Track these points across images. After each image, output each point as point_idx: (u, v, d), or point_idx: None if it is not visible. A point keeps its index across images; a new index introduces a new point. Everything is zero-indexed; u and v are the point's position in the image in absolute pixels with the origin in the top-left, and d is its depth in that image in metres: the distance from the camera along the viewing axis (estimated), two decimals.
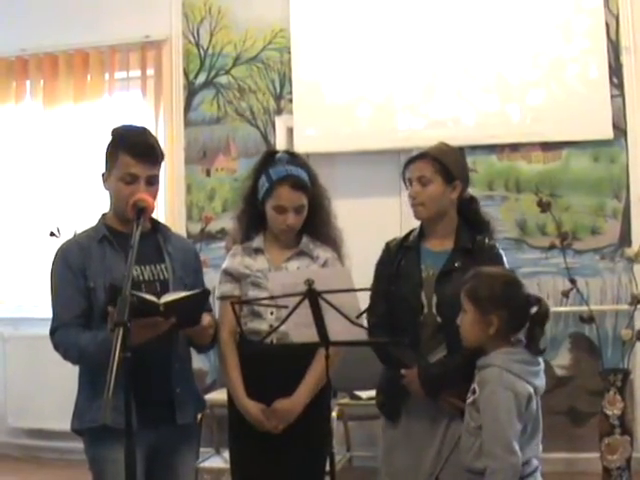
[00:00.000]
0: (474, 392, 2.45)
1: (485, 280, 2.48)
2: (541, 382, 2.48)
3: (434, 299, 2.74)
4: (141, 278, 2.58)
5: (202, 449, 4.60)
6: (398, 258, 2.83)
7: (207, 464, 4.60)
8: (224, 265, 2.95)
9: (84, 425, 2.59)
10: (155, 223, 2.75)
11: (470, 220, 2.88)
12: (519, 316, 2.47)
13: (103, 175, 2.66)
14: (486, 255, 2.79)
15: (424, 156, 2.81)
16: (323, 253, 2.88)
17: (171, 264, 2.67)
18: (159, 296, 2.39)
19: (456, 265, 2.75)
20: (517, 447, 2.34)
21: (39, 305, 5.21)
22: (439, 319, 2.73)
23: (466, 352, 2.57)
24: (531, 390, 2.42)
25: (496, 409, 2.36)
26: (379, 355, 2.86)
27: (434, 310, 2.74)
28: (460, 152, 2.95)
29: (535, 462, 2.46)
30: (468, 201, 2.91)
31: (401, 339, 2.72)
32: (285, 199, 2.81)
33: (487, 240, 2.84)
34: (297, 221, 2.83)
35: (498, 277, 2.51)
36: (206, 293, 2.54)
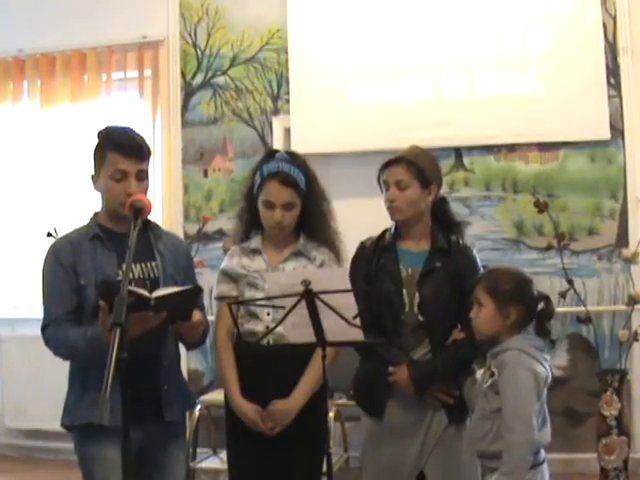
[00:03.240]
0: (492, 375, 2.55)
1: (503, 276, 2.64)
2: (549, 373, 2.58)
3: (416, 298, 2.79)
4: (132, 276, 2.57)
5: (199, 450, 4.61)
6: (376, 257, 2.87)
7: (204, 465, 4.60)
8: (222, 265, 2.96)
9: (75, 422, 2.60)
10: (146, 222, 2.75)
11: (441, 220, 2.93)
12: (532, 310, 2.62)
13: (92, 177, 2.68)
14: (462, 255, 2.87)
15: (400, 160, 2.85)
16: (320, 254, 2.89)
17: (162, 262, 2.67)
18: (149, 293, 2.38)
19: (437, 265, 2.82)
20: (535, 423, 2.46)
21: (35, 306, 5.20)
22: (421, 317, 2.78)
23: (452, 348, 2.75)
24: (547, 372, 2.55)
25: (517, 387, 2.48)
26: (361, 352, 2.88)
27: (415, 309, 2.79)
28: (433, 155, 2.99)
29: (543, 454, 2.56)
30: (439, 202, 2.96)
31: (395, 339, 2.74)
32: (273, 194, 2.82)
33: (460, 241, 2.91)
34: (286, 218, 2.83)
35: (514, 273, 2.68)
36: (198, 290, 2.54)
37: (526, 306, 2.59)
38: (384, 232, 2.94)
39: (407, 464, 2.78)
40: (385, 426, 2.82)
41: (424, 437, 2.77)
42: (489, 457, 2.53)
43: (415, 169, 2.82)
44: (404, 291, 2.80)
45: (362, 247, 2.95)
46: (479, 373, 2.70)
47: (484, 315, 2.60)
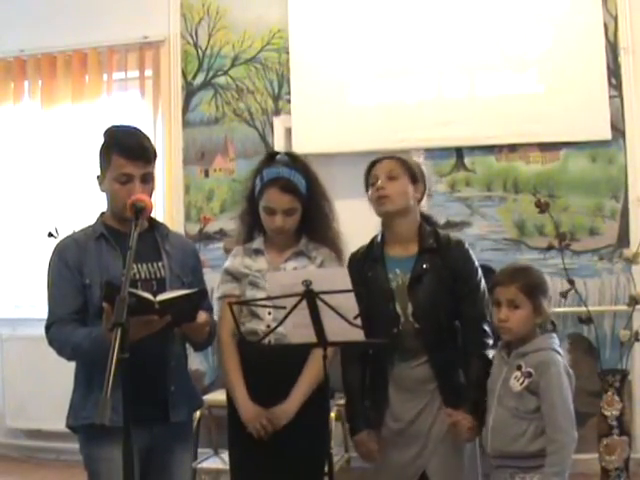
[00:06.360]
0: (528, 375, 2.53)
1: (534, 274, 2.67)
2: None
3: (409, 307, 2.76)
4: (137, 276, 2.58)
5: (200, 450, 4.60)
6: (365, 270, 2.83)
7: (205, 465, 4.59)
8: (225, 265, 2.96)
9: (79, 422, 2.59)
10: (153, 222, 2.75)
11: (429, 222, 2.93)
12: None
13: (98, 177, 2.67)
14: (455, 252, 2.82)
15: (390, 157, 2.89)
16: (320, 254, 2.88)
17: (168, 262, 2.67)
18: (155, 294, 2.38)
19: (424, 267, 2.77)
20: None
21: (37, 306, 5.21)
22: (417, 325, 2.75)
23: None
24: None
25: (561, 388, 2.51)
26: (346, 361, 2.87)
27: (410, 318, 2.76)
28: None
29: None
30: None
31: (394, 341, 2.73)
32: (273, 201, 2.82)
33: (452, 237, 2.88)
34: (287, 223, 2.83)
35: (539, 270, 2.72)
36: (203, 293, 2.54)
37: (549, 301, 2.65)
38: (373, 239, 2.92)
39: (410, 465, 2.76)
40: (385, 431, 2.80)
41: (425, 438, 2.75)
42: (525, 457, 2.51)
43: (405, 165, 2.87)
44: (396, 303, 2.76)
45: (352, 260, 2.92)
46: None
47: (522, 316, 2.59)
